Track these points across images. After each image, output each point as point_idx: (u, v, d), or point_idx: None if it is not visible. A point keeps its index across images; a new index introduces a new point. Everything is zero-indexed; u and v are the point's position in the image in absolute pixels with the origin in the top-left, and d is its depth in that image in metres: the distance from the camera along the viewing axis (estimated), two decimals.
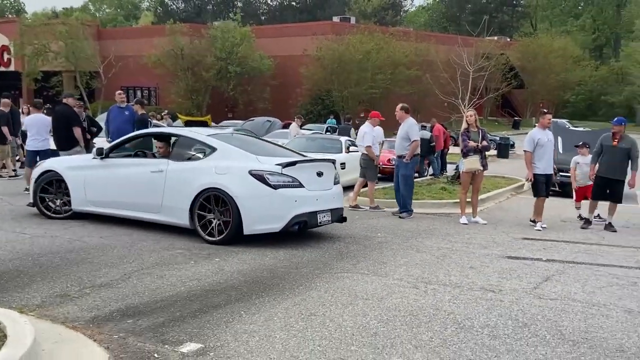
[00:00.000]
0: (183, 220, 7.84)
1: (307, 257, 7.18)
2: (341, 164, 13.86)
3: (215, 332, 4.57)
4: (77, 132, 10.57)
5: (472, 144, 9.94)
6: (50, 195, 9.04)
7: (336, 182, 8.44)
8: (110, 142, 12.67)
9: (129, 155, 8.99)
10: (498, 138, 31.37)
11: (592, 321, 5.12)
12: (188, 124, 24.96)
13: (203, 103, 41.53)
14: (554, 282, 6.40)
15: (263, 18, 72.47)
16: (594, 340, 4.66)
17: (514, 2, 78.76)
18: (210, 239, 7.59)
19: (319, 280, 6.13)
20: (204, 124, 25.16)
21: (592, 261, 7.57)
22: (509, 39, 60.61)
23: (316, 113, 37.76)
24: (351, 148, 14.50)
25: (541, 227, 9.72)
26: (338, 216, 8.35)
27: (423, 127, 17.80)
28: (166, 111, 28.87)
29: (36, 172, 9.27)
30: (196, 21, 55.19)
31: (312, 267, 6.68)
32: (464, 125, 10.37)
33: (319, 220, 7.88)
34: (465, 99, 18.14)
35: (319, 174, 8.01)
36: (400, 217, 10.30)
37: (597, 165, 9.95)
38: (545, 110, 10.38)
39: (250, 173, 7.49)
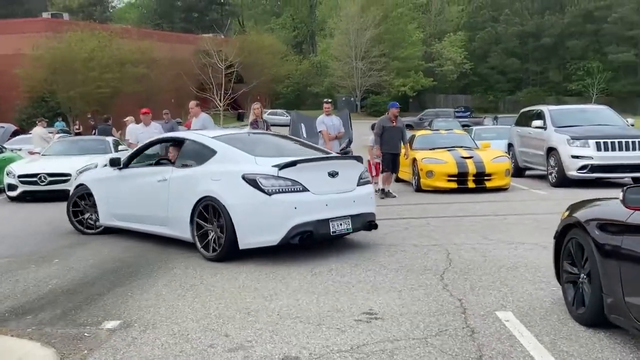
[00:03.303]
0: (186, 233, 7.02)
1: (142, 246, 7.61)
2: None
3: (121, 311, 5.02)
4: None
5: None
6: (83, 209, 8.62)
7: (362, 183, 7.19)
8: None
9: (150, 164, 8.26)
10: None
11: (398, 255, 6.78)
12: None
13: None
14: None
15: None
16: (404, 265, 6.27)
17: (222, 0, 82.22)
18: (208, 254, 6.72)
19: (171, 262, 6.74)
20: None
21: None
22: (222, 36, 63.37)
23: (40, 116, 35.13)
24: (120, 147, 14.57)
25: None
26: (363, 223, 7.07)
27: (179, 123, 18.52)
28: None
29: (73, 185, 9.07)
30: None
31: (155, 253, 7.20)
32: (252, 117, 11.54)
33: (331, 230, 6.66)
34: (219, 93, 19.32)
35: (332, 174, 6.78)
36: None
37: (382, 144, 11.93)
38: (324, 100, 12.20)
39: (243, 177, 6.53)
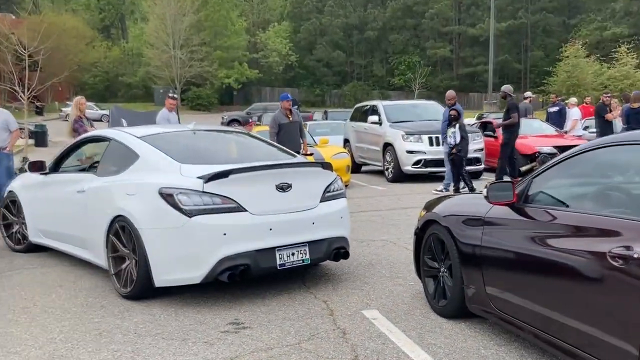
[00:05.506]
0: (102, 260, 5.93)
1: None
2: None
3: None
4: None
5: (90, 130, 10.63)
6: (12, 221, 7.74)
7: (330, 197, 5.86)
8: None
9: (83, 170, 7.15)
10: (33, 126, 30.96)
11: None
12: None
13: None
14: None
15: None
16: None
17: None
18: (121, 290, 5.62)
19: None
20: None
21: None
22: (13, 17, 58.56)
23: None
24: None
25: None
26: (328, 251, 5.75)
27: None
28: None
29: (5, 191, 8.06)
30: None
31: None
32: (77, 112, 10.88)
33: (278, 262, 5.39)
34: (22, 85, 17.92)
35: (282, 188, 5.48)
36: None
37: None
38: (169, 95, 11.82)
39: (160, 193, 5.31)
